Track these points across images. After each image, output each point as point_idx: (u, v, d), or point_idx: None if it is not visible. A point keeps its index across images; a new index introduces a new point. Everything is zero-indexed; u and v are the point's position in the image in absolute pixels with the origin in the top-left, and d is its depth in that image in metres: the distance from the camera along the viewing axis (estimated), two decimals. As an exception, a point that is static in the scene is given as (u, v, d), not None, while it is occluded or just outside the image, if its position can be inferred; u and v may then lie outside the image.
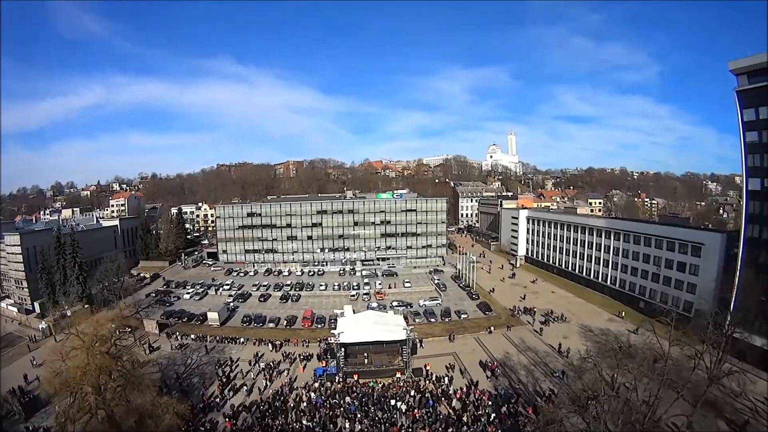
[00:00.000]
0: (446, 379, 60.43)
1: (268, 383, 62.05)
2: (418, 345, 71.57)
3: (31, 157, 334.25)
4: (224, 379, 63.17)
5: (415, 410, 51.87)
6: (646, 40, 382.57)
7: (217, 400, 57.51)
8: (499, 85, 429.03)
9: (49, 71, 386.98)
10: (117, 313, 62.35)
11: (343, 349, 63.08)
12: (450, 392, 56.64)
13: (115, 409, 43.46)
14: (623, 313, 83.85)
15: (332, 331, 63.84)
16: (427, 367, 63.77)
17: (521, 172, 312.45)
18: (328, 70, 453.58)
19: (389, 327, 65.54)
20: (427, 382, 60.57)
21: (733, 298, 63.03)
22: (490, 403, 54.04)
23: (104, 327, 49.08)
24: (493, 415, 50.63)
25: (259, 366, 67.33)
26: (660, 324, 50.45)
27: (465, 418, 49.40)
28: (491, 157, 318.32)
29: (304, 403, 55.22)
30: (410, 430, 48.16)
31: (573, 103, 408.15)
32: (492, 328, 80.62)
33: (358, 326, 66.15)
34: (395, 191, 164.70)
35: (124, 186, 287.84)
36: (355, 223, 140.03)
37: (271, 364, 68.15)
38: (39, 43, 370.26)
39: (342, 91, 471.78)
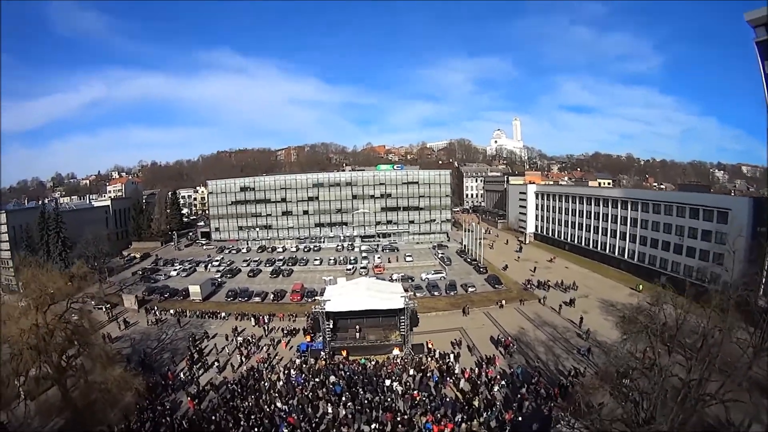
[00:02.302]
0: (452, 356, 49.94)
1: (244, 360, 52.39)
2: (419, 319, 61.06)
3: (32, 154, 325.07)
4: (195, 355, 53.39)
5: (414, 392, 41.54)
6: (649, 31, 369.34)
7: (185, 377, 47.95)
8: (501, 76, 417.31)
9: (48, 69, 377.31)
10: (75, 271, 53.02)
11: (330, 321, 52.71)
12: (456, 371, 46.24)
13: (68, 381, 39.11)
14: (641, 286, 72.78)
15: (317, 298, 53.02)
16: (430, 344, 53.37)
17: (526, 157, 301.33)
18: (331, 61, 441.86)
19: (385, 295, 54.77)
20: (430, 359, 50.32)
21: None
22: (505, 383, 43.90)
23: (54, 285, 41.19)
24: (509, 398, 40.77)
25: (237, 341, 57.49)
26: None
27: (476, 403, 39.01)
28: (496, 142, 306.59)
29: (281, 383, 45.12)
30: (408, 415, 37.81)
31: (576, 92, 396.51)
32: (503, 301, 70.03)
33: (348, 294, 55.21)
34: (396, 164, 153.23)
35: (123, 174, 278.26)
36: (354, 197, 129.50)
37: (249, 339, 58.31)
38: (38, 41, 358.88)
39: (345, 81, 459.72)
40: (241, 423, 36.99)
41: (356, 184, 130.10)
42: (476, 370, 46.53)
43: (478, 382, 43.28)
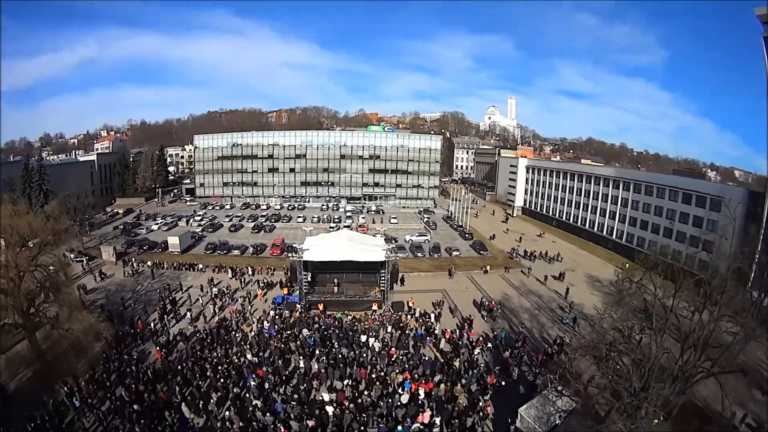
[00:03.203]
0: (432, 316, 47.59)
1: (217, 311, 49.71)
2: (403, 277, 58.77)
3: (21, 115, 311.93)
4: (167, 306, 50.33)
5: (392, 349, 39.13)
6: (655, 25, 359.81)
7: (155, 327, 44.91)
8: (500, 55, 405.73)
9: (39, 28, 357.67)
10: (50, 211, 49.93)
11: (308, 274, 49.83)
12: (437, 332, 43.85)
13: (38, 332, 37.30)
14: (627, 265, 70.64)
15: (295, 243, 50.03)
16: (410, 303, 50.86)
17: (519, 136, 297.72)
18: (328, 25, 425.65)
19: (366, 247, 51.78)
20: (409, 317, 48.01)
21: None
22: (489, 345, 41.70)
23: (28, 227, 38.77)
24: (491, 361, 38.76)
25: (211, 293, 54.63)
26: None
27: (457, 364, 36.71)
28: (489, 118, 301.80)
29: (252, 334, 42.50)
30: (384, 373, 35.45)
31: (574, 78, 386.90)
32: (488, 267, 67.88)
33: (328, 244, 52.18)
34: (387, 126, 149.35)
35: (112, 132, 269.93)
36: (342, 157, 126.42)
37: (224, 290, 55.54)
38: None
39: (340, 47, 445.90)
40: (208, 374, 34.55)
41: (345, 144, 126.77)
42: (457, 331, 44.24)
43: (459, 343, 40.99)
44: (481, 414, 30.26)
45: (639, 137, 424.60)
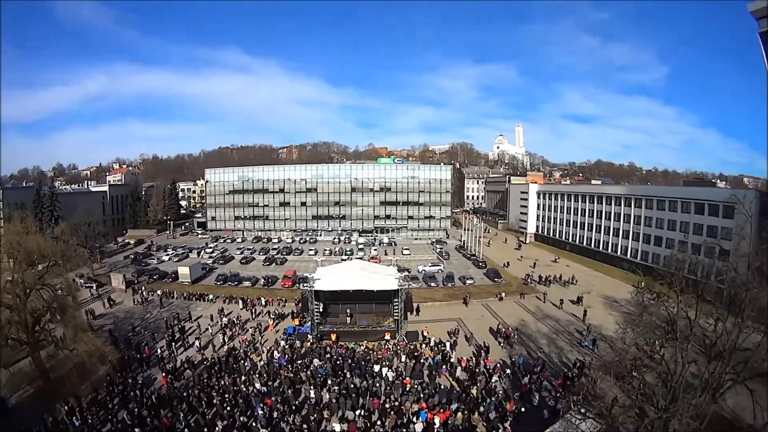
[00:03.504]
0: (448, 345, 45.76)
1: (227, 340, 48.49)
2: (417, 308, 57.15)
3: (33, 145, 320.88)
4: (176, 333, 49.52)
5: (406, 378, 37.55)
6: (654, 41, 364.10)
7: (162, 354, 43.98)
8: (504, 83, 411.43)
9: (52, 61, 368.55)
10: (59, 233, 50.29)
11: (320, 305, 48.60)
12: (452, 360, 42.14)
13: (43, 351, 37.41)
14: (642, 283, 68.20)
15: (306, 275, 48.98)
16: (425, 332, 49.14)
17: (529, 163, 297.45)
18: (335, 63, 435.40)
19: (379, 276, 50.50)
20: (424, 346, 46.29)
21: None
22: (507, 371, 39.92)
23: (37, 247, 38.78)
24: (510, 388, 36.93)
25: (221, 322, 53.52)
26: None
27: (474, 392, 35.00)
28: (498, 147, 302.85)
29: (261, 363, 41.14)
30: (398, 402, 33.81)
31: (578, 101, 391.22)
32: (503, 294, 66.04)
33: (340, 273, 50.98)
34: (396, 158, 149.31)
35: (125, 165, 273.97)
36: (353, 190, 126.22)
37: (234, 320, 54.45)
38: (42, 33, 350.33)
39: (348, 83, 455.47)
40: (214, 402, 33.21)
41: (356, 177, 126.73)
42: (474, 359, 42.46)
43: (476, 371, 39.27)
44: (501, 442, 28.55)
45: (646, 155, 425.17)
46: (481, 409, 32.39)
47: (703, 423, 24.94)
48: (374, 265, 62.07)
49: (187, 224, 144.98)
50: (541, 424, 29.26)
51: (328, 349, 44.89)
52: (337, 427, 29.92)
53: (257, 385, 36.09)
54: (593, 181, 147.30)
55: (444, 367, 40.67)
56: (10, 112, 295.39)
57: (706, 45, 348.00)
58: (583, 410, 27.79)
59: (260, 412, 31.48)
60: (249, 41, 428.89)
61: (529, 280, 76.47)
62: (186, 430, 29.24)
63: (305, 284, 47.39)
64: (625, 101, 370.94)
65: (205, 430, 29.57)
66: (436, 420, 30.37)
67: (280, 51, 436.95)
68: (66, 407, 31.21)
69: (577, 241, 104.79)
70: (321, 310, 48.97)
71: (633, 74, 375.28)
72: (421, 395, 34.30)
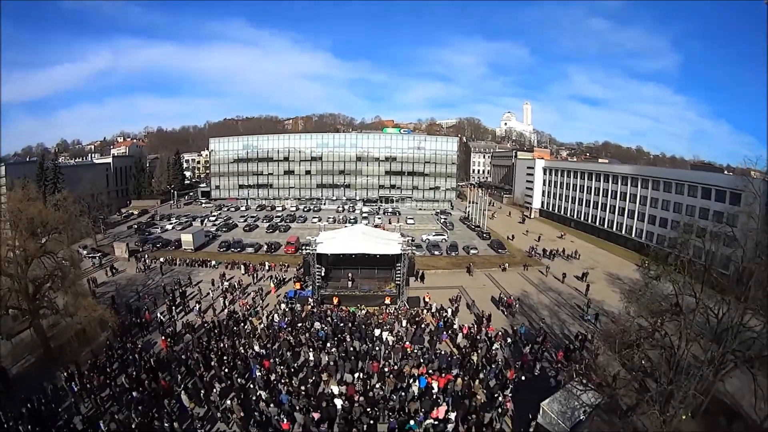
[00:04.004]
0: (449, 311, 45.16)
1: (228, 304, 47.81)
2: (419, 276, 56.70)
3: (38, 123, 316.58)
4: (177, 299, 49.19)
5: (406, 343, 37.03)
6: (667, 28, 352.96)
7: (163, 318, 43.53)
8: (514, 61, 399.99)
9: (56, 39, 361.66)
10: (60, 200, 49.57)
11: (322, 269, 48.06)
12: (454, 327, 41.53)
13: (44, 320, 36.68)
14: (646, 261, 67.33)
15: (308, 238, 48.27)
16: (427, 298, 48.72)
17: (536, 141, 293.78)
18: (343, 36, 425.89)
19: (381, 240, 49.77)
20: (426, 312, 45.77)
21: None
22: (509, 340, 39.35)
23: (39, 214, 37.70)
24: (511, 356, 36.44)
25: (222, 287, 53.06)
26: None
27: (474, 358, 34.43)
28: (506, 124, 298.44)
29: (261, 326, 40.69)
30: (397, 366, 33.36)
31: (588, 84, 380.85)
32: (506, 265, 65.43)
33: (343, 238, 50.13)
34: (403, 129, 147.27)
35: (129, 139, 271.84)
36: (359, 159, 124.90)
37: (236, 285, 54.09)
38: (45, 10, 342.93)
39: (356, 57, 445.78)
40: (213, 364, 32.79)
41: (361, 146, 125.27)
42: (475, 326, 41.87)
43: (477, 338, 38.66)
44: (500, 410, 27.97)
45: (654, 141, 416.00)
46: (481, 375, 31.83)
47: (699, 409, 24.74)
48: (378, 230, 61.46)
49: (191, 194, 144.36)
50: (541, 393, 28.58)
51: (329, 312, 44.42)
52: (335, 389, 29.36)
53: (256, 348, 35.62)
54: (600, 160, 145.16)
55: (445, 333, 40.09)
56: (15, 91, 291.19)
57: (720, 36, 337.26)
58: (584, 381, 27.21)
59: (258, 374, 31.06)
60: (256, 13, 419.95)
61: (533, 252, 75.61)
62: (183, 392, 28.72)
63: (308, 248, 46.53)
64: (636, 86, 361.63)
65: (203, 392, 29.11)
66: (435, 385, 29.83)
67: (289, 24, 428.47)
68: (65, 373, 30.80)
69: (582, 219, 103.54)
70: (323, 274, 48.48)
71: (645, 60, 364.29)
72: (421, 360, 33.76)
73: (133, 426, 25.07)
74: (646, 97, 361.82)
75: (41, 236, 38.20)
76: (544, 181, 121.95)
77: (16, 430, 24.87)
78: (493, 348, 36.75)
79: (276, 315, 43.38)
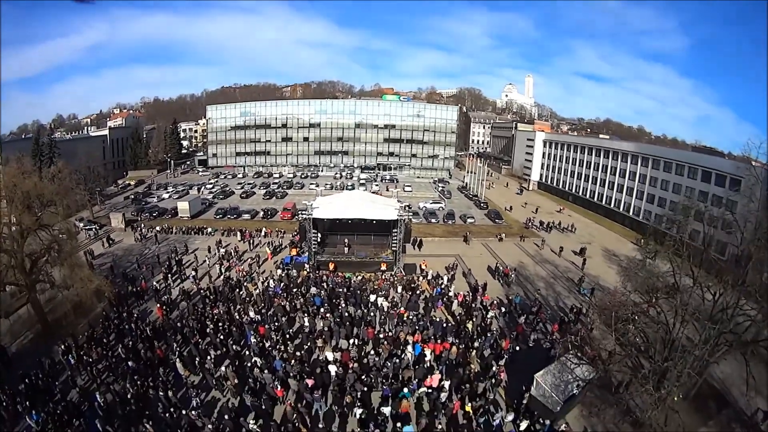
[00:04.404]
0: (445, 278, 44.98)
1: (224, 271, 47.25)
2: (417, 244, 56.71)
3: (33, 99, 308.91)
4: (173, 266, 48.59)
5: (401, 308, 36.85)
6: (678, 9, 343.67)
7: (159, 286, 43.34)
8: (519, 33, 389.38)
9: (48, 13, 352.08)
10: (55, 171, 48.90)
11: (318, 234, 47.67)
12: (450, 294, 41.37)
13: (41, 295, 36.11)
14: (642, 240, 67.06)
15: (304, 203, 47.71)
16: (423, 265, 48.54)
17: (537, 114, 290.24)
18: (344, 2, 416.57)
19: (378, 205, 49.31)
20: (422, 279, 45.56)
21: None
22: (503, 309, 39.23)
23: (34, 187, 36.54)
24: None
25: (218, 254, 52.57)
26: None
27: (470, 327, 34.29)
28: (507, 96, 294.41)
29: (257, 292, 40.45)
30: (392, 333, 33.28)
31: (592, 60, 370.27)
32: (503, 235, 65.08)
33: (339, 202, 49.73)
34: (402, 96, 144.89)
35: (125, 110, 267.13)
36: (357, 126, 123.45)
37: (231, 252, 53.58)
38: None
39: (356, 24, 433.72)
40: (208, 331, 32.52)
41: (360, 113, 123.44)
42: (471, 294, 41.70)
43: (473, 306, 38.49)
44: (494, 380, 27.92)
45: (657, 123, 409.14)
46: (476, 344, 31.71)
47: (689, 393, 24.55)
48: (374, 195, 60.88)
49: (188, 163, 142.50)
50: (535, 365, 28.35)
51: (324, 278, 44.18)
52: (329, 356, 29.21)
53: (251, 314, 35.38)
54: (601, 136, 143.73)
55: (440, 300, 39.93)
56: (8, 68, 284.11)
57: (730, 21, 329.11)
58: (578, 355, 27.05)
59: (253, 340, 30.88)
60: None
61: (530, 224, 75.20)
62: (178, 360, 28.51)
63: (303, 212, 46.00)
64: (642, 66, 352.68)
65: (197, 359, 28.92)
66: (427, 352, 29.70)
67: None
68: (62, 346, 30.50)
69: (581, 193, 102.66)
70: (319, 239, 48.11)
71: (652, 40, 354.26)
72: (416, 327, 33.60)
73: (128, 396, 24.91)
74: (652, 78, 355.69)
75: (37, 210, 37.51)
76: (544, 153, 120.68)
77: (14, 407, 24.65)
78: (488, 317, 36.65)
79: (271, 281, 43.00)
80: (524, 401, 26.29)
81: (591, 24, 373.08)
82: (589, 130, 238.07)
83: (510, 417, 24.98)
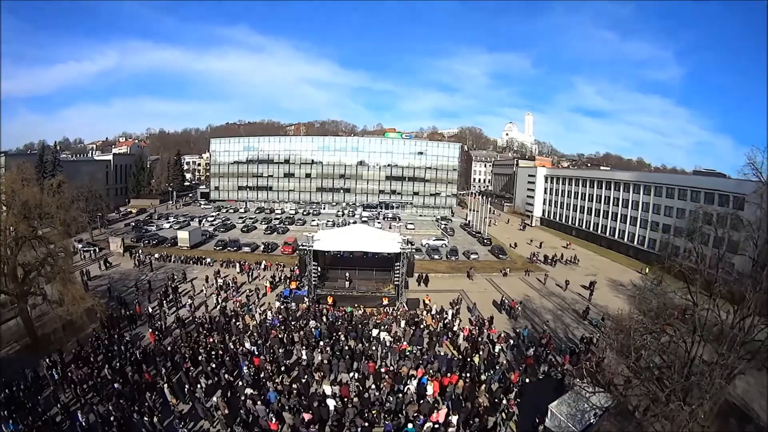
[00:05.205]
0: (449, 314, 43.09)
1: (221, 302, 45.53)
2: (423, 280, 55.03)
3: (40, 120, 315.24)
4: (170, 294, 47.22)
5: (403, 343, 35.01)
6: (671, 40, 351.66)
7: (153, 312, 41.49)
8: (518, 72, 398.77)
9: (62, 36, 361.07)
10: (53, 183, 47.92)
11: (318, 266, 46.15)
12: (455, 328, 39.44)
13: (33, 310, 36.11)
14: (647, 270, 65.28)
15: (305, 234, 46.44)
16: (427, 300, 46.62)
17: (537, 152, 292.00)
18: (348, 45, 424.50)
19: (380, 239, 47.97)
20: (426, 313, 43.69)
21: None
22: (511, 342, 37.42)
23: (33, 197, 35.88)
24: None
25: (216, 284, 50.96)
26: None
27: (476, 360, 32.43)
28: (507, 134, 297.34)
29: (254, 323, 38.72)
30: (395, 367, 31.38)
31: (591, 96, 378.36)
32: (507, 270, 63.52)
33: (340, 236, 48.58)
34: (405, 134, 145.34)
35: (131, 139, 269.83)
36: (359, 163, 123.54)
37: (230, 282, 51.87)
38: (53, 7, 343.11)
39: (360, 66, 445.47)
40: (200, 359, 30.78)
41: (362, 150, 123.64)
42: (477, 328, 39.84)
43: (479, 339, 36.68)
44: (505, 413, 26.03)
45: (656, 153, 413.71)
46: (484, 377, 29.88)
47: (716, 404, 22.78)
48: (377, 230, 59.58)
49: (190, 195, 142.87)
50: (546, 397, 26.63)
51: (325, 311, 42.39)
52: (327, 389, 27.38)
53: (247, 345, 33.64)
54: (602, 168, 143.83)
55: (445, 335, 38.10)
56: (19, 86, 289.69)
57: (724, 48, 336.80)
58: (593, 383, 25.31)
59: (246, 370, 29.10)
60: (261, 21, 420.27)
61: (534, 259, 73.64)
62: (166, 385, 26.80)
63: (304, 244, 44.66)
64: (638, 98, 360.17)
65: (187, 386, 27.18)
66: (429, 388, 27.82)
67: (293, 31, 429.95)
68: (48, 361, 29.38)
69: (584, 227, 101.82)
70: (319, 273, 46.60)
71: (648, 71, 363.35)
72: (420, 362, 31.77)
73: (111, 419, 23.20)
74: (649, 109, 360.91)
75: (35, 221, 36.79)
76: (546, 189, 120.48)
77: None
78: (496, 350, 34.84)
79: (269, 312, 41.30)
80: (538, 433, 24.44)
81: (587, 59, 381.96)
82: (589, 165, 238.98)
83: (523, 453, 23.07)
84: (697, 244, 29.29)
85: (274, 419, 23.81)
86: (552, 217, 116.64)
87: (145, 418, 23.37)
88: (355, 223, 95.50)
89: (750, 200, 46.15)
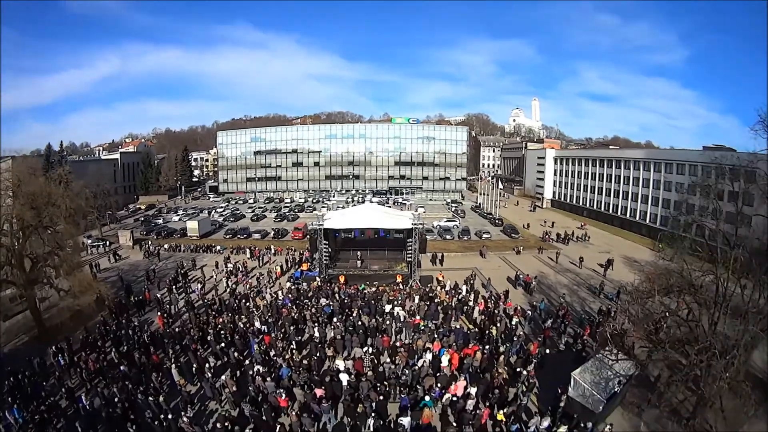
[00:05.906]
0: (464, 289, 41.72)
1: (231, 285, 44.53)
2: (438, 260, 53.97)
3: (46, 129, 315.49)
4: (179, 279, 46.63)
5: (416, 318, 33.81)
6: (675, 22, 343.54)
7: (162, 298, 40.72)
8: (523, 59, 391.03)
9: (62, 45, 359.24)
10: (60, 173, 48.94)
11: (328, 246, 44.98)
12: (470, 303, 38.14)
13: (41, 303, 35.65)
14: (661, 245, 63.30)
15: (315, 212, 45.22)
16: (440, 276, 45.36)
17: (545, 136, 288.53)
18: (351, 38, 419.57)
19: (392, 216, 46.81)
20: (440, 288, 42.41)
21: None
22: (529, 314, 36.18)
23: (40, 188, 35.48)
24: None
25: (226, 269, 50.10)
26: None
27: (494, 332, 31.15)
28: (514, 120, 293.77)
29: (265, 302, 37.67)
30: (410, 340, 30.27)
31: (596, 80, 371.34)
32: (521, 248, 62.13)
33: (351, 214, 47.43)
34: (412, 119, 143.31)
35: (137, 139, 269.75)
36: (367, 150, 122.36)
37: (239, 266, 50.95)
38: (52, 17, 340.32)
39: (364, 58, 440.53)
40: (209, 339, 29.84)
41: (370, 137, 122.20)
42: (493, 301, 38.53)
43: (495, 313, 35.34)
44: (526, 385, 24.76)
45: (662, 137, 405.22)
46: (502, 349, 28.60)
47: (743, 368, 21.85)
48: (388, 208, 58.42)
49: (199, 189, 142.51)
50: (567, 367, 25.22)
51: (336, 289, 41.27)
52: (341, 365, 26.23)
53: (257, 324, 32.59)
54: (611, 147, 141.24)
55: (460, 310, 36.82)
56: (23, 97, 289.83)
57: (728, 29, 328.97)
58: (615, 351, 23.95)
59: (256, 348, 28.02)
60: (262, 18, 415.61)
61: (547, 237, 72.10)
62: (174, 366, 25.81)
63: (314, 223, 43.52)
64: (644, 81, 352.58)
65: (195, 366, 26.16)
66: (445, 359, 26.58)
67: (295, 26, 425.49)
68: (54, 348, 28.84)
69: (594, 207, 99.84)
70: (330, 254, 45.44)
71: (652, 55, 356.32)
72: (435, 336, 30.55)
73: (116, 400, 22.25)
74: (655, 92, 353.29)
75: (42, 210, 35.94)
76: (555, 170, 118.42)
77: None
78: (513, 323, 33.53)
79: (280, 293, 40.25)
80: (561, 404, 23.09)
81: (592, 44, 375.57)
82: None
83: (546, 423, 21.59)
84: (713, 199, 28.62)
85: (283, 395, 22.70)
86: (563, 199, 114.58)
87: (150, 398, 22.37)
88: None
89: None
